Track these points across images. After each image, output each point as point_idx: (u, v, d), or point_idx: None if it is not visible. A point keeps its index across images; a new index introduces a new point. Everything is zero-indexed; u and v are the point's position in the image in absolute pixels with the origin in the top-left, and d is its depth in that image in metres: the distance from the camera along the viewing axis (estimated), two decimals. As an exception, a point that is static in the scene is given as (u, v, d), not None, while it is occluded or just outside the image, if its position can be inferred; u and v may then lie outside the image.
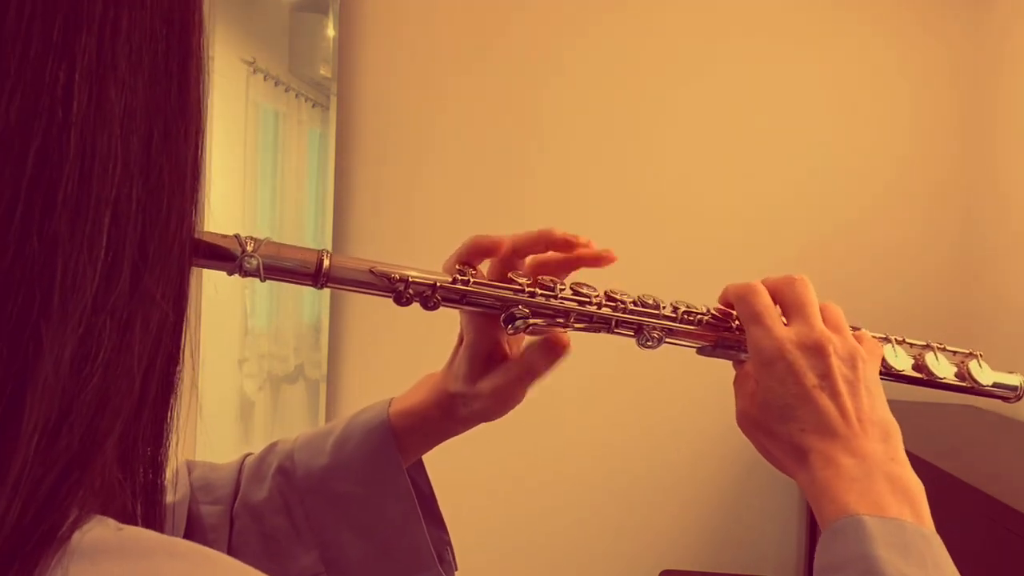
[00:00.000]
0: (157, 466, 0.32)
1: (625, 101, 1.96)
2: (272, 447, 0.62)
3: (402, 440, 0.59)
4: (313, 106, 1.97)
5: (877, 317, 1.91)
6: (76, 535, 0.25)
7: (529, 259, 0.57)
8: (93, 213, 0.26)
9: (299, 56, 1.96)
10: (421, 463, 0.62)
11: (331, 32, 1.94)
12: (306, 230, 1.99)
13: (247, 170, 1.89)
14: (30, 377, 0.24)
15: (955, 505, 1.16)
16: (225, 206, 1.82)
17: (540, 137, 1.97)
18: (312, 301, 2.00)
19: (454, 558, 0.62)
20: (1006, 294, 1.78)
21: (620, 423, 1.97)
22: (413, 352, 1.80)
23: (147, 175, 0.28)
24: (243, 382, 1.91)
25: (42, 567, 0.23)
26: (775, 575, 1.98)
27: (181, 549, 0.27)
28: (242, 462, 0.62)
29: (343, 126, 1.95)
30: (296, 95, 1.95)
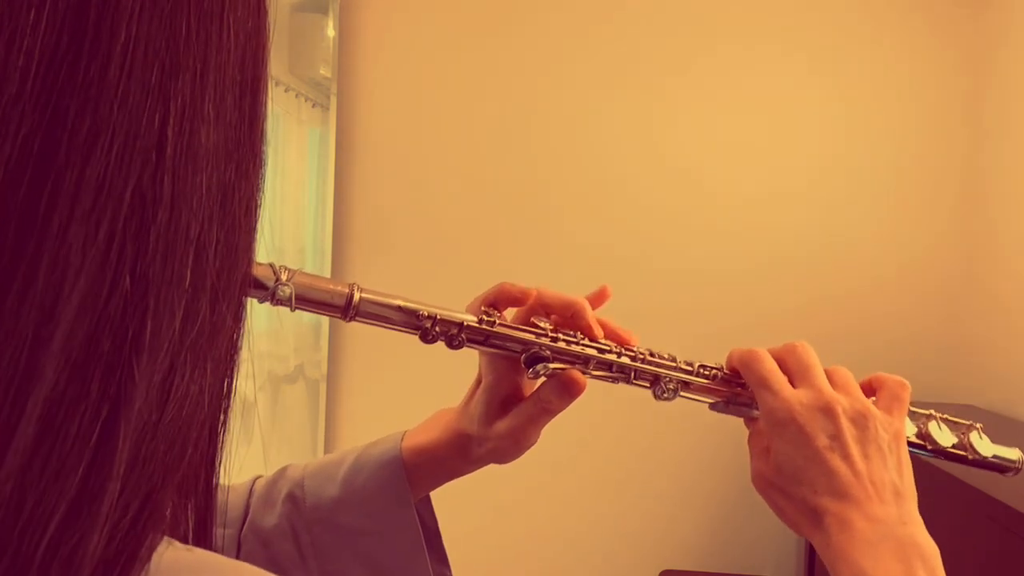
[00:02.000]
0: (209, 494, 0.33)
1: (625, 101, 1.96)
2: (283, 472, 0.63)
3: (413, 476, 0.60)
4: (313, 106, 1.96)
5: (875, 322, 1.92)
6: (155, 557, 0.26)
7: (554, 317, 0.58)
8: (181, 251, 0.26)
9: (299, 56, 1.96)
10: (428, 499, 0.63)
11: (331, 32, 1.94)
12: (306, 230, 1.99)
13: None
14: (124, 409, 0.25)
15: (955, 505, 1.16)
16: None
17: (541, 136, 1.97)
18: (312, 301, 1.99)
19: None
20: (1007, 295, 1.78)
21: (620, 423, 1.97)
22: (413, 352, 1.80)
23: (224, 210, 0.29)
24: (243, 382, 1.90)
25: None
26: (775, 575, 1.98)
27: (248, 572, 0.28)
28: (252, 486, 0.63)
29: (343, 126, 1.95)
30: (296, 95, 1.95)
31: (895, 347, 1.89)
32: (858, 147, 1.95)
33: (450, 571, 0.62)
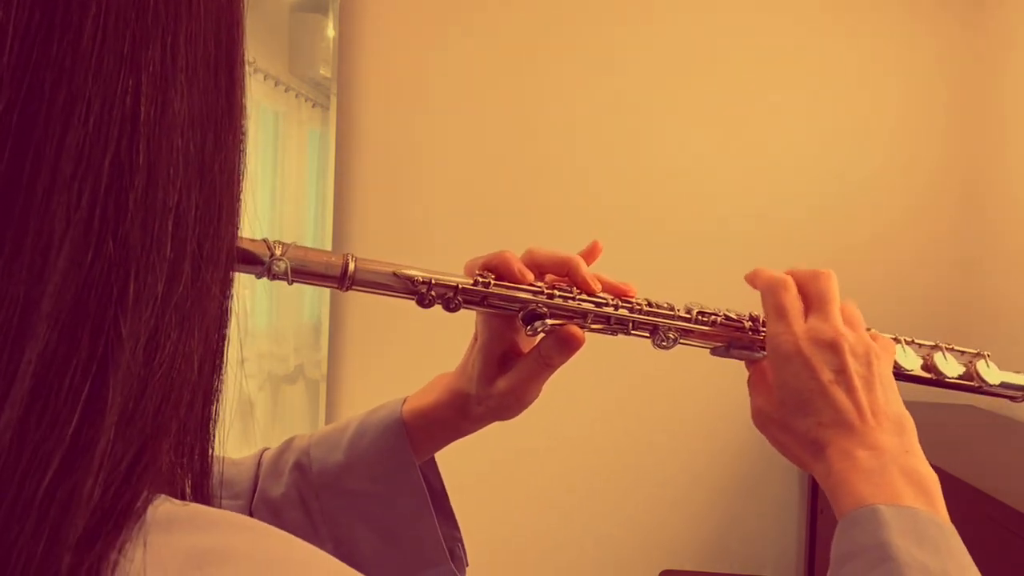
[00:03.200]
0: (204, 455, 0.34)
1: (624, 99, 1.96)
2: (289, 443, 0.64)
3: (415, 439, 0.60)
4: (313, 106, 1.97)
5: (875, 317, 1.92)
6: (149, 509, 0.27)
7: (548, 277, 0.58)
8: (160, 215, 0.28)
9: (299, 56, 1.96)
10: (433, 461, 0.63)
11: (331, 32, 1.94)
12: (306, 230, 1.99)
13: (247, 170, 1.89)
14: (112, 365, 0.26)
15: (955, 505, 1.16)
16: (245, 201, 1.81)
17: (541, 136, 1.97)
18: (312, 301, 2.00)
19: (465, 554, 0.63)
20: (1005, 293, 1.78)
21: (620, 423, 1.97)
22: (413, 352, 1.81)
23: (203, 178, 0.30)
24: (243, 382, 1.91)
25: (124, 538, 0.26)
26: (775, 575, 1.98)
27: (244, 522, 0.29)
28: (260, 457, 0.64)
29: (343, 126, 1.95)
30: (296, 95, 1.95)
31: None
32: (853, 141, 1.95)
33: (459, 531, 0.63)
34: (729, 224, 1.94)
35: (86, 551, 0.25)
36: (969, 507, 1.13)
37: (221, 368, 0.34)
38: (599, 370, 1.92)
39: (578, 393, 1.93)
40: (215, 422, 0.35)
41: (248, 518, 0.30)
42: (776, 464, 1.94)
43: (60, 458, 0.24)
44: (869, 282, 1.93)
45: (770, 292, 0.55)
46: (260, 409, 1.96)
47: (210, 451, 0.35)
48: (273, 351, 1.98)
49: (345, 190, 1.95)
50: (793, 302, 0.54)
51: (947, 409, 1.76)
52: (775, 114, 1.95)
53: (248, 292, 1.93)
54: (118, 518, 0.26)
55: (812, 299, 0.54)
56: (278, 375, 1.99)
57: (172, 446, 0.30)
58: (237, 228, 0.34)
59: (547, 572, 2.00)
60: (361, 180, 1.97)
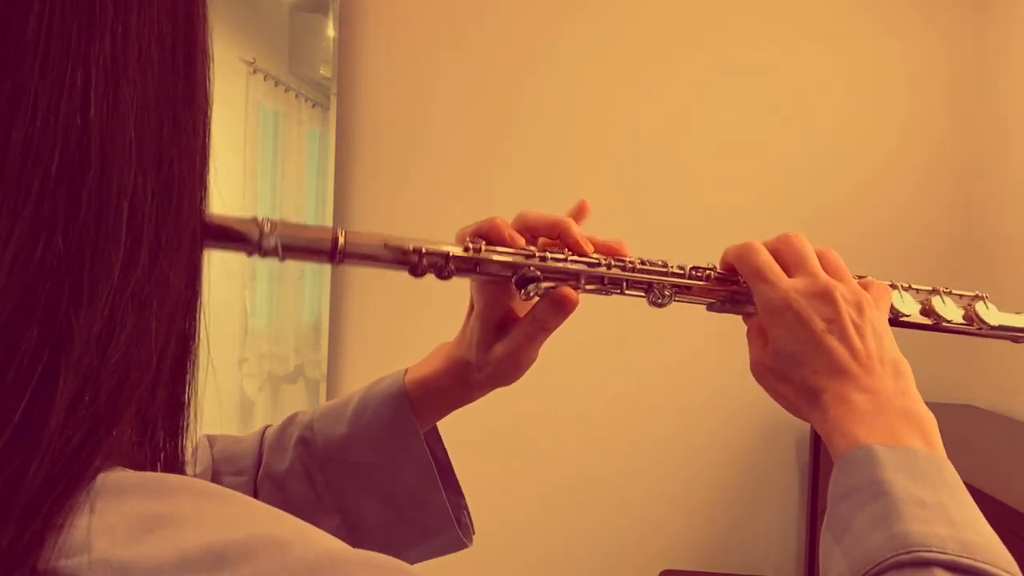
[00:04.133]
0: (175, 434, 0.34)
1: (624, 96, 1.96)
2: (292, 418, 0.64)
3: (418, 408, 0.61)
4: (313, 106, 1.97)
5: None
6: (100, 477, 0.27)
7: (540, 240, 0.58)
8: (114, 206, 0.27)
9: (299, 56, 1.96)
10: (437, 431, 0.63)
11: (331, 32, 1.94)
12: (306, 230, 1.99)
13: (247, 170, 1.89)
14: (63, 355, 0.26)
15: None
16: (225, 206, 1.81)
17: (540, 137, 1.97)
18: (312, 301, 2.00)
19: (471, 521, 0.64)
20: (1004, 296, 1.78)
21: (619, 423, 1.97)
22: (413, 352, 1.80)
23: (160, 165, 0.29)
24: (243, 382, 1.91)
25: (70, 504, 0.26)
26: (775, 575, 1.98)
27: (201, 487, 0.29)
28: (263, 433, 0.64)
29: (343, 126, 1.95)
30: (296, 95, 1.95)
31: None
32: (855, 137, 1.95)
33: (464, 499, 0.63)
34: (733, 223, 1.94)
35: (28, 523, 0.25)
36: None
37: (190, 353, 0.34)
38: (599, 369, 1.92)
39: (578, 393, 1.93)
40: (187, 406, 0.34)
41: (208, 483, 0.30)
42: (776, 464, 1.94)
43: (7, 438, 0.25)
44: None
45: (740, 259, 0.55)
46: (260, 409, 1.96)
47: (182, 430, 0.34)
48: (273, 351, 1.98)
49: (345, 190, 1.95)
50: (768, 260, 0.54)
51: (947, 409, 1.76)
52: (775, 114, 1.95)
53: (248, 292, 1.93)
54: (66, 487, 0.26)
55: (789, 261, 0.54)
56: (278, 375, 1.99)
57: (136, 428, 0.30)
58: (200, 214, 0.33)
59: (547, 572, 2.00)
60: (361, 180, 1.97)
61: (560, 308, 0.55)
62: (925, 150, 1.95)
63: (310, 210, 1.98)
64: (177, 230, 0.30)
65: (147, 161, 0.29)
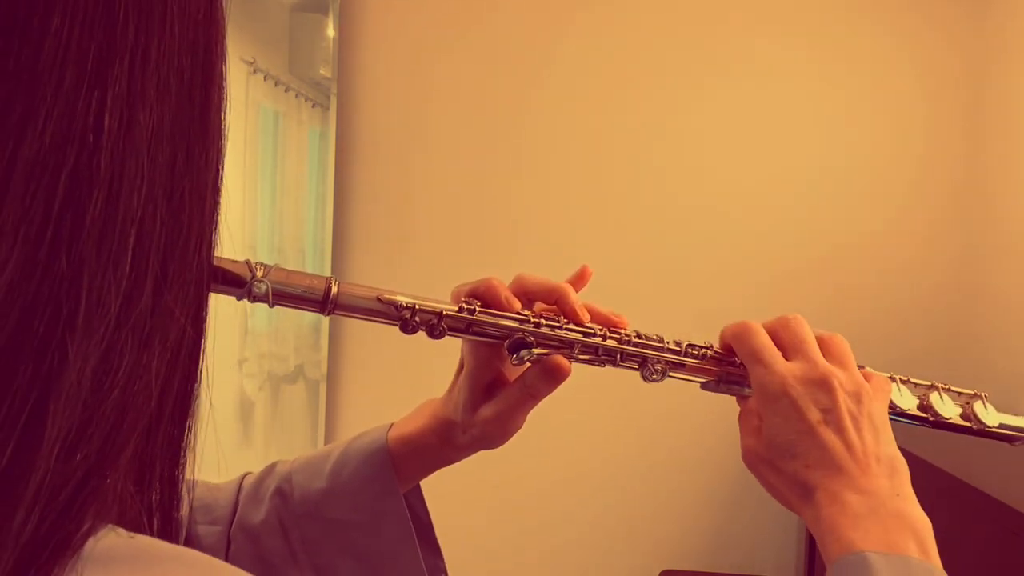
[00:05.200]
0: (173, 483, 0.33)
1: (627, 101, 1.96)
2: (271, 468, 0.62)
3: (400, 466, 0.59)
4: (313, 106, 1.97)
5: (875, 319, 1.92)
6: (90, 542, 0.25)
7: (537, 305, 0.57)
8: (119, 234, 0.27)
9: (299, 56, 1.96)
10: (419, 490, 0.62)
11: (331, 32, 1.94)
12: (306, 230, 1.99)
13: (247, 170, 1.89)
14: (54, 389, 0.25)
15: (955, 505, 1.16)
16: (225, 206, 1.81)
17: (541, 138, 1.97)
18: (312, 301, 2.00)
19: None
20: (1004, 296, 1.78)
21: (619, 423, 1.97)
22: (413, 352, 1.80)
23: (170, 197, 0.29)
24: (243, 382, 1.91)
25: (57, 572, 0.24)
26: (775, 575, 1.98)
27: (190, 558, 0.28)
28: (240, 482, 0.63)
29: (343, 126, 1.95)
30: (296, 95, 1.95)
31: (891, 347, 1.89)
32: (860, 145, 1.95)
33: (443, 562, 0.62)
34: (733, 231, 1.94)
35: None
36: (969, 507, 1.13)
37: (192, 396, 0.33)
38: (597, 369, 1.92)
39: (577, 392, 1.93)
40: (186, 451, 0.33)
41: (198, 554, 0.28)
42: (776, 464, 1.94)
43: None
44: (866, 283, 1.93)
45: (737, 339, 0.54)
46: (260, 409, 1.96)
47: (179, 478, 0.33)
48: (273, 351, 1.98)
49: (345, 190, 1.95)
50: (766, 342, 0.53)
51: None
52: (776, 118, 1.95)
53: (248, 292, 1.92)
54: (52, 552, 0.24)
55: (788, 344, 0.53)
56: (278, 375, 1.99)
57: (132, 475, 0.29)
58: (210, 250, 0.33)
59: (547, 572, 2.00)
60: (361, 180, 1.97)
61: (551, 377, 0.54)
62: (934, 163, 1.95)
63: (310, 210, 1.98)
64: (184, 265, 0.30)
65: (158, 191, 0.28)
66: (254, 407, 1.94)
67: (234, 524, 0.60)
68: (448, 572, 0.62)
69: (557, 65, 1.96)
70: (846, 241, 1.94)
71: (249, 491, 0.61)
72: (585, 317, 0.55)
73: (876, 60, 1.94)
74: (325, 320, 1.95)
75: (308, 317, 2.01)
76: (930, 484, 1.18)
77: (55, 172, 0.25)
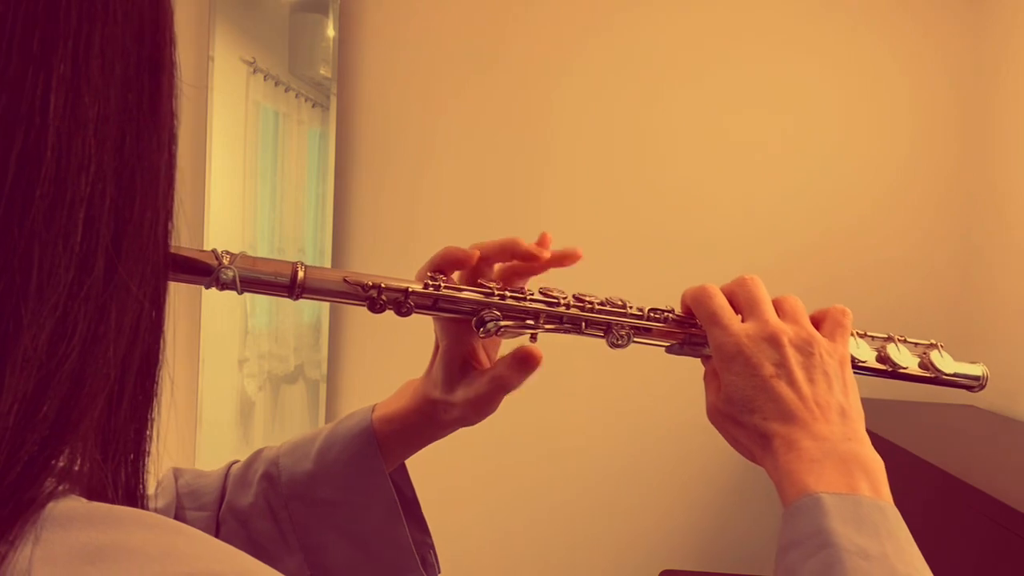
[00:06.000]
0: (137, 456, 0.34)
1: (625, 103, 1.96)
2: (258, 454, 0.63)
3: (385, 446, 0.60)
4: (313, 106, 1.97)
5: (875, 320, 1.92)
6: (49, 505, 0.27)
7: (497, 267, 0.58)
8: (68, 208, 0.28)
9: (299, 56, 1.96)
10: (404, 468, 0.63)
11: (331, 32, 1.94)
12: (306, 230, 1.99)
13: (247, 170, 1.89)
14: (10, 351, 0.26)
15: (955, 505, 1.16)
16: (225, 206, 1.82)
17: (540, 137, 1.97)
18: (312, 301, 2.00)
19: (437, 561, 0.63)
20: (1004, 296, 1.78)
21: (619, 423, 1.97)
22: (413, 352, 1.80)
23: (120, 176, 0.30)
24: (243, 382, 1.91)
25: (16, 530, 0.25)
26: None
27: (151, 520, 0.29)
28: (228, 469, 0.63)
29: (343, 126, 1.95)
30: (296, 95, 1.96)
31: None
32: (855, 147, 1.95)
33: (430, 538, 0.63)
34: (728, 235, 1.95)
35: None
36: (969, 507, 1.13)
37: (155, 371, 0.34)
38: (597, 369, 1.92)
39: (576, 392, 1.93)
40: (150, 425, 0.34)
41: (160, 516, 0.29)
42: (776, 464, 1.94)
43: None
44: (867, 282, 1.93)
45: (697, 303, 0.56)
46: (260, 409, 1.96)
47: (144, 454, 0.34)
48: (273, 351, 1.98)
49: (345, 190, 1.95)
50: (722, 304, 0.55)
51: (947, 409, 1.76)
52: (780, 122, 1.95)
53: (248, 294, 1.93)
54: (13, 509, 0.26)
55: (743, 304, 0.55)
56: (278, 375, 1.99)
57: (98, 446, 0.30)
58: (166, 231, 0.34)
59: (547, 572, 2.00)
60: (361, 180, 1.97)
61: (522, 366, 0.56)
62: (926, 165, 1.95)
63: (310, 210, 1.98)
64: (138, 243, 0.31)
65: (106, 169, 0.29)
66: (254, 407, 1.94)
67: (223, 508, 0.61)
68: (436, 547, 0.63)
69: (556, 65, 1.97)
70: (843, 234, 1.94)
71: (237, 476, 0.62)
72: (543, 255, 0.56)
73: (875, 58, 1.94)
74: (325, 320, 1.95)
75: (308, 317, 2.02)
76: (930, 484, 1.18)
77: (6, 149, 0.27)
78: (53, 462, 0.27)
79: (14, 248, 0.27)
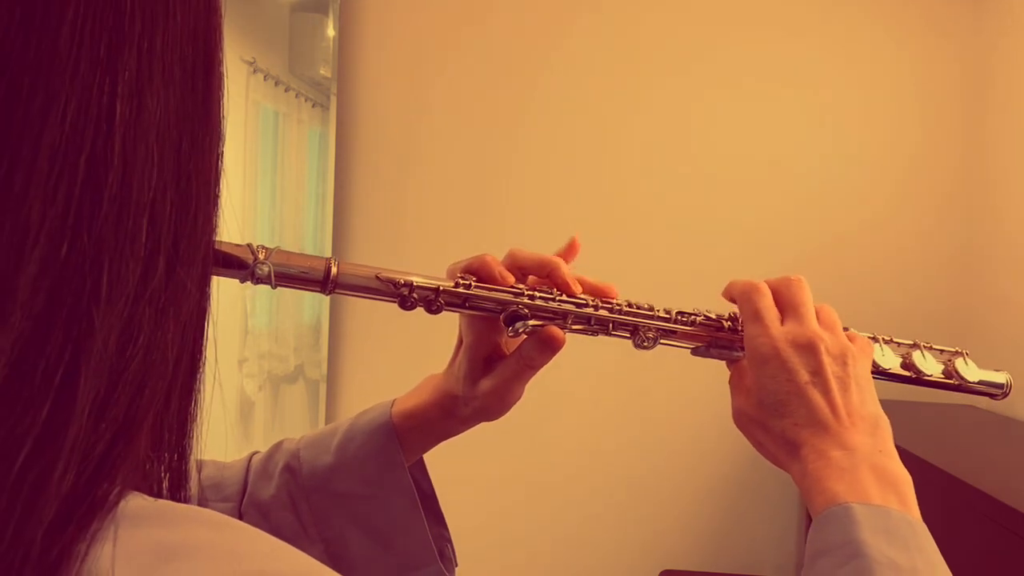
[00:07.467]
0: (183, 451, 0.35)
1: (623, 103, 1.96)
2: (279, 446, 0.64)
3: (404, 440, 0.61)
4: (313, 106, 1.97)
5: (877, 319, 1.92)
6: (121, 504, 0.27)
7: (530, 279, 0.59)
8: (134, 212, 0.29)
9: (299, 56, 1.96)
10: (423, 463, 0.64)
11: (331, 32, 1.94)
12: (306, 230, 1.99)
13: (247, 170, 1.89)
14: (84, 354, 0.27)
15: (955, 505, 1.16)
16: (225, 205, 1.81)
17: (539, 138, 1.97)
18: (312, 302, 2.00)
19: (454, 554, 0.64)
20: (1007, 296, 1.78)
21: (620, 423, 1.97)
22: (413, 352, 1.80)
23: (178, 179, 0.31)
24: (243, 382, 1.91)
25: (95, 528, 0.26)
26: (775, 575, 1.98)
27: (214, 518, 0.30)
28: (249, 460, 0.64)
29: (343, 126, 1.95)
30: (296, 95, 1.95)
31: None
32: (858, 146, 1.95)
33: (448, 531, 0.64)
34: (727, 229, 1.94)
35: (56, 537, 0.25)
36: (969, 507, 1.13)
37: (199, 367, 0.35)
38: (599, 369, 1.92)
39: (577, 394, 1.93)
40: (193, 420, 0.35)
41: (217, 514, 0.30)
42: (776, 464, 1.94)
43: (32, 441, 0.25)
44: (867, 282, 1.93)
45: (745, 298, 0.56)
46: (260, 409, 1.96)
47: (189, 449, 0.35)
48: (273, 351, 1.98)
49: (345, 190, 1.95)
50: (768, 305, 0.55)
51: (947, 409, 1.76)
52: (780, 119, 1.95)
53: (249, 293, 1.93)
54: (90, 507, 0.26)
55: (786, 305, 0.55)
56: (278, 375, 1.99)
57: (150, 442, 0.31)
58: (214, 230, 0.35)
59: (547, 572, 2.00)
60: (361, 180, 1.97)
61: (547, 347, 0.56)
62: (930, 164, 1.95)
63: (310, 210, 1.98)
64: (194, 243, 0.32)
65: (167, 172, 0.30)
66: (254, 407, 1.94)
67: (245, 500, 0.61)
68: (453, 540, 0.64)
69: (556, 65, 1.97)
70: (845, 235, 1.94)
71: (258, 468, 0.63)
72: (577, 288, 0.57)
73: (874, 57, 1.94)
74: (325, 320, 1.95)
75: (308, 317, 2.02)
76: (930, 484, 1.18)
77: (75, 155, 0.27)
78: (123, 461, 0.28)
79: (84, 254, 0.27)
